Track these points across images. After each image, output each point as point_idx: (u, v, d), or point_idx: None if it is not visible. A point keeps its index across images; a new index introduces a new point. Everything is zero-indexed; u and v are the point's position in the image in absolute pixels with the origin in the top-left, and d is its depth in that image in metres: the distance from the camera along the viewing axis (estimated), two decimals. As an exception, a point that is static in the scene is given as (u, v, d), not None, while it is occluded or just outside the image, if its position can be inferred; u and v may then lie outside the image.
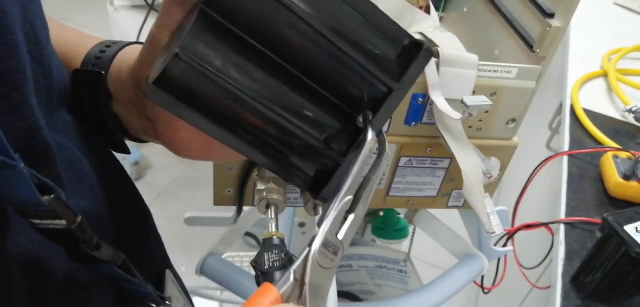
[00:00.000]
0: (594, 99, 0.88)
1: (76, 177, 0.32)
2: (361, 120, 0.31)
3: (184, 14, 0.29)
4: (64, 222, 0.26)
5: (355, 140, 0.32)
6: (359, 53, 0.29)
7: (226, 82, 0.27)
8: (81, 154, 0.33)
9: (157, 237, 0.47)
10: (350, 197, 0.30)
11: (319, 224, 0.30)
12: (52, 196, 0.25)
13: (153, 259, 0.45)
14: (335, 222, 0.29)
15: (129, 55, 0.36)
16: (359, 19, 0.29)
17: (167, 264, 0.47)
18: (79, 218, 0.27)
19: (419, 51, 0.31)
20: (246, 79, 0.28)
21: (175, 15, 0.29)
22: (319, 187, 0.33)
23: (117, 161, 0.43)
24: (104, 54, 0.36)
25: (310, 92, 0.30)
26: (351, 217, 0.30)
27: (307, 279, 0.29)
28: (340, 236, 0.29)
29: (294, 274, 0.29)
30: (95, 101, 0.36)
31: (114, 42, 0.38)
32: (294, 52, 0.29)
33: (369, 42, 0.30)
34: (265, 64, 0.28)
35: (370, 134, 0.30)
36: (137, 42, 0.38)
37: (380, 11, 0.30)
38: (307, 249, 0.29)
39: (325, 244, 0.29)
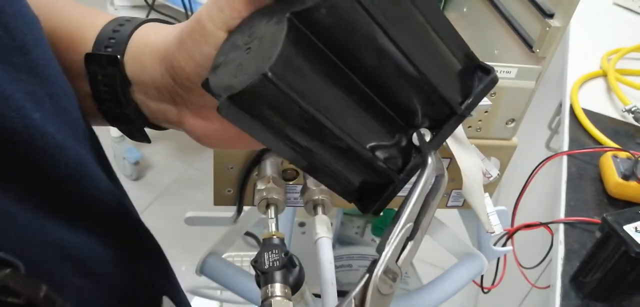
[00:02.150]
0: (594, 99, 0.88)
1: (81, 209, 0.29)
2: (418, 138, 0.30)
3: (249, 12, 0.27)
4: (19, 301, 0.22)
5: (407, 158, 0.30)
6: (431, 69, 0.28)
7: (309, 107, 0.25)
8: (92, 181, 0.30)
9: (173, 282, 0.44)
10: (411, 223, 0.29)
11: (379, 251, 0.29)
12: (7, 271, 0.22)
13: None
14: (397, 248, 0.29)
15: (152, 36, 0.33)
16: (432, 33, 0.28)
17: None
18: (44, 290, 0.23)
19: (483, 74, 0.29)
20: (325, 101, 0.26)
21: (238, 11, 0.27)
22: (366, 201, 0.31)
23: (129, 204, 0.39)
24: (118, 34, 0.33)
25: (370, 102, 0.28)
26: (411, 244, 0.29)
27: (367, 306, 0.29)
28: (399, 262, 0.29)
29: (354, 300, 0.29)
30: (112, 88, 0.33)
31: (128, 20, 0.34)
32: (371, 67, 0.27)
33: (440, 58, 0.28)
34: (342, 81, 0.27)
35: (431, 159, 0.29)
36: (155, 20, 0.35)
37: (452, 27, 0.28)
38: (367, 275, 0.29)
39: (385, 271, 0.29)
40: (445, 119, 0.30)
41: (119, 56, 0.32)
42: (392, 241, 0.29)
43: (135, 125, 0.35)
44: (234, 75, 0.25)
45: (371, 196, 0.31)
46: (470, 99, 0.30)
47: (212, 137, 0.33)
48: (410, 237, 0.29)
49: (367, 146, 0.29)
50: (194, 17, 0.29)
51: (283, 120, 0.26)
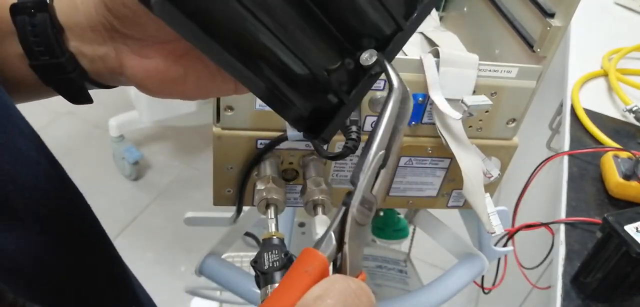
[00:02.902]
0: (595, 98, 0.88)
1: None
2: (368, 59, 0.30)
3: None
4: None
5: (354, 82, 0.31)
6: None
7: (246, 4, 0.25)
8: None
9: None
10: (382, 151, 0.29)
11: (354, 182, 0.29)
12: None
13: None
14: (371, 178, 0.29)
15: None
16: None
17: None
18: (10, 298, 0.23)
19: None
20: (266, 6, 0.26)
21: None
22: (315, 128, 0.31)
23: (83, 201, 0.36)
24: None
25: (314, 20, 0.28)
26: (383, 171, 0.29)
27: (346, 239, 0.29)
28: (374, 191, 0.29)
29: (334, 234, 0.28)
30: (43, 37, 0.30)
31: None
32: None
33: None
34: None
35: (395, 80, 0.29)
36: None
37: None
38: (344, 208, 0.29)
39: (361, 201, 0.29)
40: (392, 37, 0.30)
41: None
42: (365, 170, 0.29)
43: (74, 82, 0.32)
44: None
45: (321, 123, 0.31)
46: (415, 14, 0.30)
47: (155, 78, 0.31)
48: (382, 165, 0.29)
49: (317, 67, 0.29)
50: None
51: (222, 24, 0.26)
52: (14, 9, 0.30)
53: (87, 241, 0.36)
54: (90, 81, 0.33)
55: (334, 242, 0.28)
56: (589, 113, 0.83)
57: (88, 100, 0.34)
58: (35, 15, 0.30)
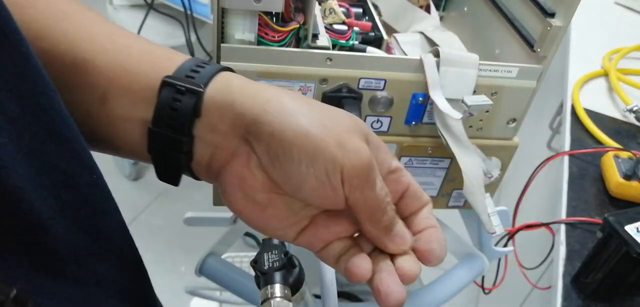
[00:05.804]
0: (595, 98, 0.88)
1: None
2: None
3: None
4: None
5: None
6: None
7: None
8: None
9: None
10: None
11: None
12: None
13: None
14: None
15: (236, 93, 0.31)
16: None
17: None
18: (14, 292, 0.22)
19: None
20: None
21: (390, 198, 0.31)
22: None
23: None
24: (203, 69, 0.32)
25: None
26: None
27: None
28: None
29: None
30: (178, 118, 0.31)
31: (205, 64, 0.33)
32: None
33: None
34: None
35: None
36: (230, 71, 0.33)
37: None
38: None
39: None
40: None
41: (202, 86, 0.30)
42: None
43: (179, 161, 0.33)
44: None
45: None
46: None
47: (241, 191, 0.32)
48: None
49: None
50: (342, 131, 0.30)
51: None
52: (166, 83, 0.31)
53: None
54: (187, 171, 0.34)
55: None
56: (590, 113, 0.83)
57: (176, 182, 0.34)
58: (184, 94, 0.30)
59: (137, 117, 0.32)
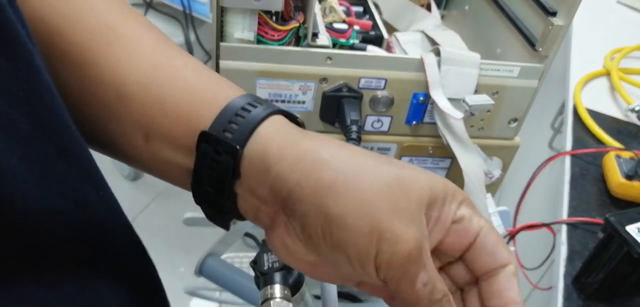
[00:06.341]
0: (597, 98, 0.88)
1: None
2: None
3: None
4: None
5: None
6: None
7: None
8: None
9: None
10: None
11: None
12: None
13: None
14: None
15: (273, 156, 0.27)
16: None
17: None
18: None
19: None
20: None
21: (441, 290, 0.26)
22: None
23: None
24: (243, 120, 0.28)
25: None
26: None
27: None
28: None
29: None
30: (218, 178, 0.28)
31: (258, 103, 0.29)
32: None
33: None
34: None
35: None
36: (284, 113, 0.30)
37: None
38: None
39: None
40: None
41: (239, 147, 0.27)
42: None
43: (222, 208, 0.30)
44: None
45: None
46: None
47: (313, 274, 0.30)
48: None
49: None
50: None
51: None
52: (203, 137, 0.28)
53: None
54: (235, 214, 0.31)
55: None
56: (591, 113, 0.82)
57: (226, 228, 0.32)
58: (221, 154, 0.28)
59: (180, 164, 0.30)
